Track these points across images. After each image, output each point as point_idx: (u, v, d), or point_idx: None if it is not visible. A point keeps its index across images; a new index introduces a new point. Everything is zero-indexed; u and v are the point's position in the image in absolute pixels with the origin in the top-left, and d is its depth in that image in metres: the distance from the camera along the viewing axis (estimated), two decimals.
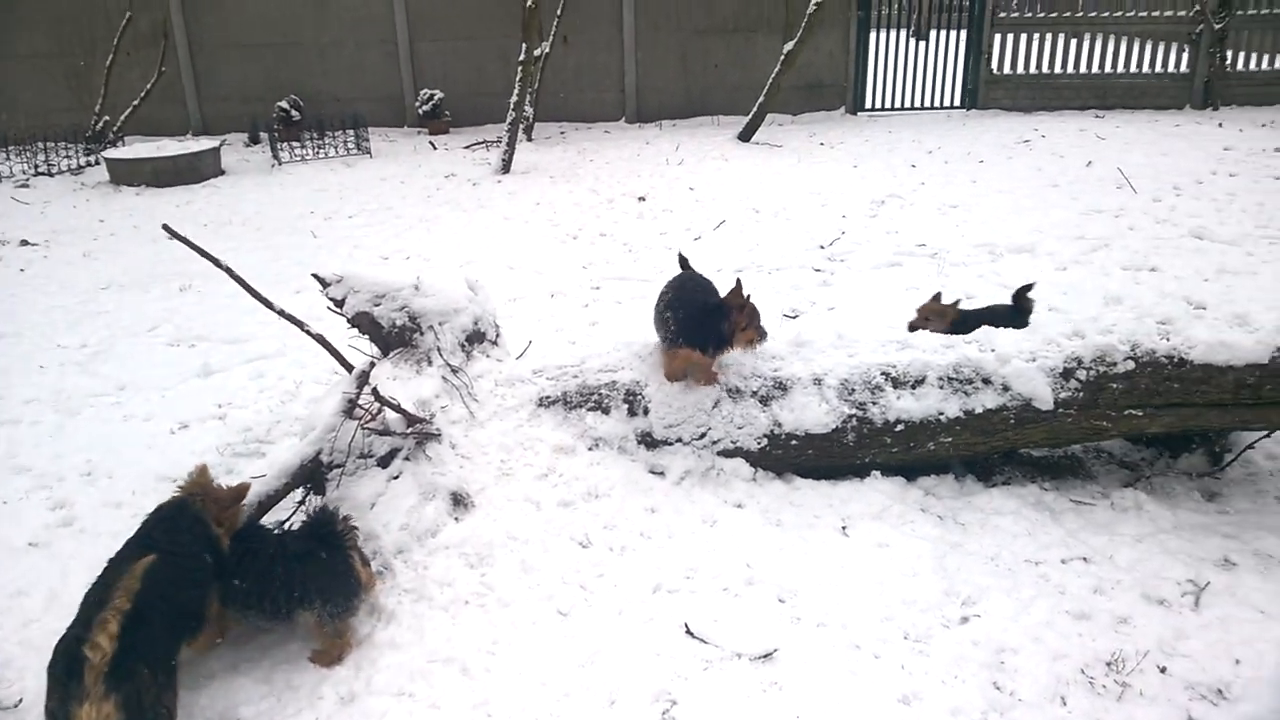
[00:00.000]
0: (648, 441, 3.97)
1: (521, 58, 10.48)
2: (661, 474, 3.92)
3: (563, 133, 13.02)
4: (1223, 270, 6.63)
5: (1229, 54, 12.93)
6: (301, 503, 3.51)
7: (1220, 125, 11.65)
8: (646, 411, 3.97)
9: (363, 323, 3.97)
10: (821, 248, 7.41)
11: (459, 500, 3.54)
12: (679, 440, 3.95)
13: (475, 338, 4.17)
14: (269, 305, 3.56)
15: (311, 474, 3.41)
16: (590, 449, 3.90)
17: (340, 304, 3.95)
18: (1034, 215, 8.05)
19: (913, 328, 4.74)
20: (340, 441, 3.40)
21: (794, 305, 6.27)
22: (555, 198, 9.22)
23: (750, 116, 11.60)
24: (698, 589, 3.33)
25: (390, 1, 13.44)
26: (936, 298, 4.98)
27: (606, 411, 3.99)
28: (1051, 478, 4.16)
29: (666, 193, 9.24)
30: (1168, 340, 3.81)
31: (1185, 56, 13.08)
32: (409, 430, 3.56)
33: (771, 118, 12.64)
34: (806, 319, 6.03)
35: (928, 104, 13.55)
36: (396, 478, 3.51)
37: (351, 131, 12.02)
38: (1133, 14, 13.09)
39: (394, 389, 3.69)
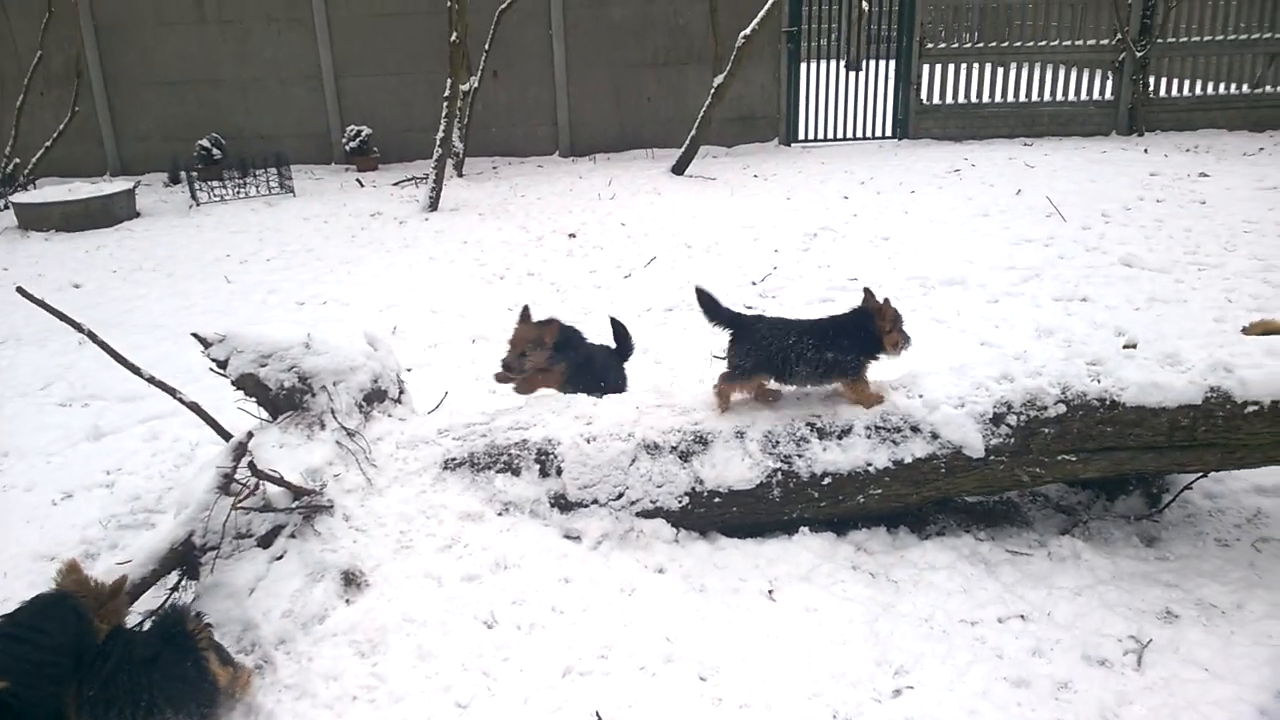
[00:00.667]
0: (561, 504, 3.72)
1: (447, 93, 10.25)
2: (577, 539, 3.66)
3: (495, 168, 12.79)
4: (1153, 299, 6.61)
5: (1151, 81, 13.17)
6: (175, 589, 3.18)
7: (1146, 151, 11.82)
8: (560, 472, 3.72)
9: (248, 385, 3.67)
10: (754, 283, 7.26)
11: (351, 580, 3.24)
12: (595, 501, 3.70)
13: (375, 396, 3.89)
14: (136, 371, 3.24)
15: (183, 558, 3.10)
16: (499, 514, 3.63)
17: (224, 365, 3.65)
18: (965, 246, 8.00)
19: None
20: (215, 521, 3.09)
21: (724, 346, 6.07)
22: (483, 236, 8.97)
23: (683, 150, 11.49)
24: (612, 669, 3.07)
25: (315, 37, 13.15)
26: None
27: (517, 473, 3.73)
28: (987, 525, 3.99)
29: (598, 229, 9.04)
30: (1099, 382, 3.67)
31: (1110, 84, 13.29)
32: (295, 505, 3.26)
33: (705, 150, 12.55)
34: None
35: (861, 135, 13.58)
36: (280, 558, 3.20)
37: (275, 170, 11.66)
38: (1057, 43, 13.28)
39: (280, 458, 3.40)
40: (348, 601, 3.19)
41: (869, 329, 3.74)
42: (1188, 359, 3.63)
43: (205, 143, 12.23)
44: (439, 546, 3.46)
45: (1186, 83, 13.43)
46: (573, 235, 8.81)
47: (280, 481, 3.22)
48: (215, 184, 11.58)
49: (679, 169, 11.42)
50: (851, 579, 3.56)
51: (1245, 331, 4.48)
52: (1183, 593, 3.52)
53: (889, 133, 13.56)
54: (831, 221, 9.01)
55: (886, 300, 3.85)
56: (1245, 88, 13.34)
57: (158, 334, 6.64)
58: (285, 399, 3.67)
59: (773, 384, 3.86)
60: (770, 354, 3.71)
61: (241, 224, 10.05)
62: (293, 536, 3.26)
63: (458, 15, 10.16)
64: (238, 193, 11.49)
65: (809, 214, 9.34)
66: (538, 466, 3.74)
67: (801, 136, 13.56)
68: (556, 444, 3.76)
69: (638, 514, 3.69)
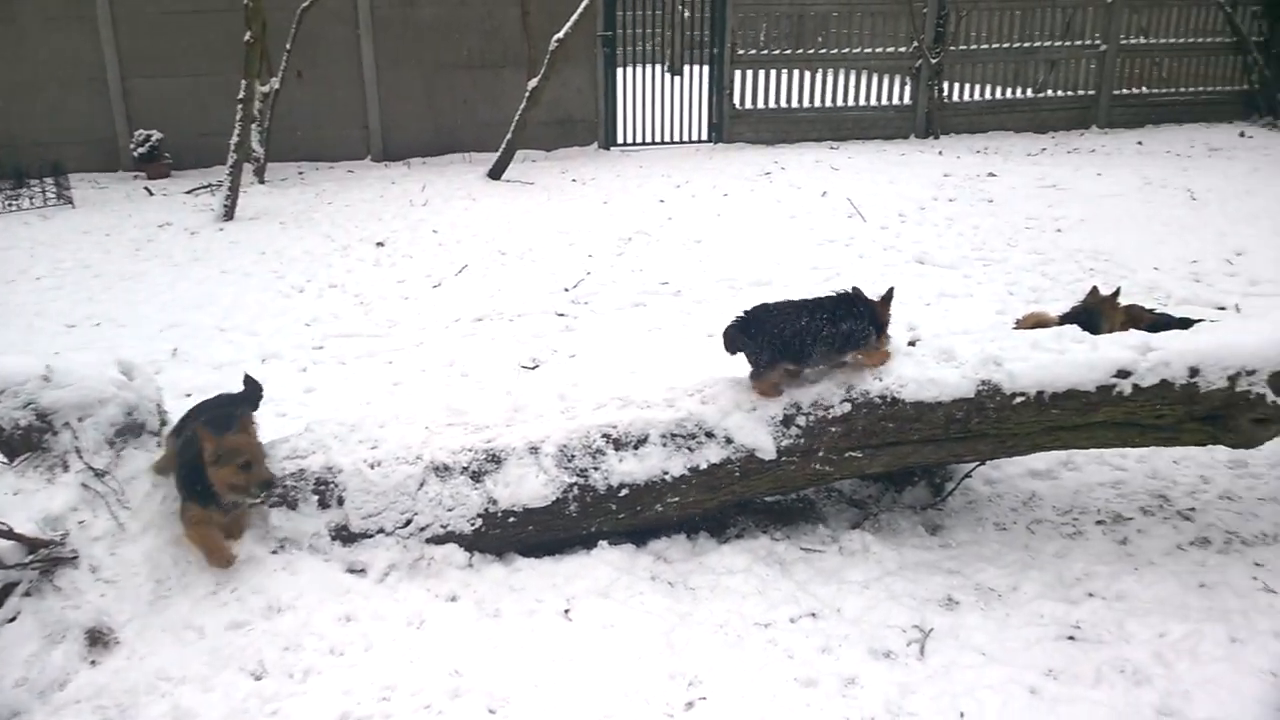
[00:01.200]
0: (344, 536, 3.50)
1: (242, 95, 9.67)
2: (362, 572, 3.46)
3: (301, 173, 12.19)
4: (943, 294, 6.95)
5: (946, 86, 13.97)
6: None
7: (940, 153, 12.51)
8: (341, 502, 3.51)
9: None
10: (566, 290, 7.18)
11: (97, 638, 2.93)
12: (381, 531, 3.51)
13: (129, 430, 3.54)
14: None
15: None
16: (274, 553, 3.38)
17: None
18: (773, 247, 8.19)
19: None
20: None
21: (535, 355, 5.97)
22: (284, 246, 8.50)
23: (499, 154, 11.30)
24: (394, 710, 2.89)
25: (98, 37, 12.15)
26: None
27: (294, 506, 3.49)
28: (784, 524, 4.05)
29: (409, 236, 8.74)
30: (880, 380, 3.78)
31: (908, 89, 14.01)
32: (29, 559, 2.92)
33: (525, 154, 12.39)
34: (547, 369, 5.75)
35: (679, 138, 13.77)
36: (13, 620, 2.86)
37: (51, 180, 10.68)
38: (860, 50, 13.89)
39: (14, 506, 3.04)
40: (93, 663, 2.88)
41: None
42: (961, 354, 3.79)
43: None
44: (201, 594, 3.18)
45: (978, 88, 14.33)
46: (381, 244, 8.48)
47: (10, 534, 2.87)
48: None
49: (495, 174, 11.23)
50: (650, 590, 3.52)
51: (1017, 325, 4.75)
52: (963, 579, 3.66)
53: (706, 137, 13.81)
54: (647, 225, 9.06)
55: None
56: (1029, 92, 14.37)
57: None
58: (21, 439, 3.29)
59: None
60: (786, 340, 3.71)
61: (10, 239, 9.14)
62: (28, 595, 2.91)
63: (252, 13, 9.60)
64: (9, 205, 10.46)
65: (625, 218, 9.35)
66: (316, 498, 3.51)
67: (621, 140, 13.62)
68: (337, 472, 3.54)
69: (428, 540, 3.52)
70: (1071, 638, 3.29)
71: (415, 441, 3.63)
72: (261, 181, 11.23)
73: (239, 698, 2.87)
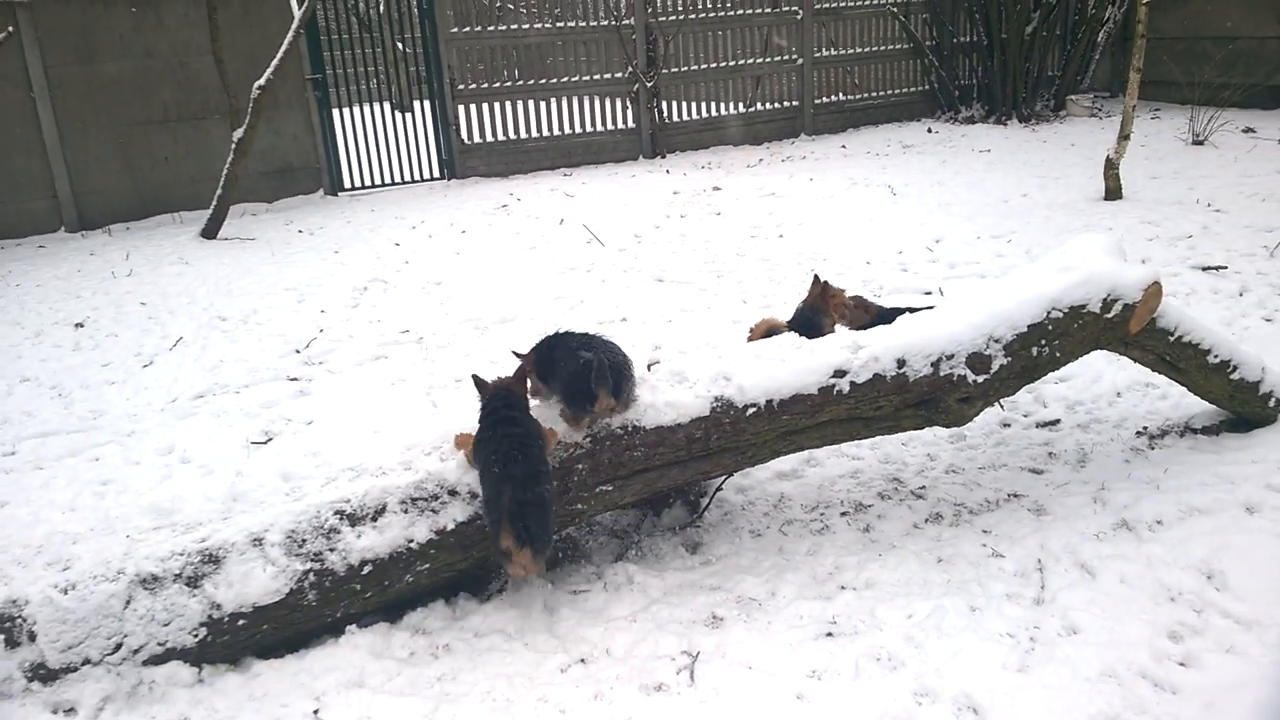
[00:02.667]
0: (43, 675, 3.02)
1: None
2: (71, 711, 3.00)
3: None
4: (683, 309, 7.13)
5: (665, 107, 14.50)
6: None
7: (668, 171, 12.95)
8: (33, 637, 3.03)
9: None
10: (298, 351, 6.73)
11: None
12: (87, 662, 3.06)
13: None
14: None
15: None
16: None
17: None
18: (516, 281, 8.11)
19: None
20: None
21: (266, 427, 5.52)
22: None
23: (211, 211, 10.49)
24: None
25: None
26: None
27: None
28: (549, 569, 3.94)
29: (113, 312, 7.90)
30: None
31: (630, 113, 14.42)
32: None
33: (244, 208, 11.63)
34: (281, 440, 5.32)
35: (410, 178, 13.43)
36: None
37: None
38: (580, 78, 14.14)
39: None
40: None
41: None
42: (693, 374, 3.84)
43: None
44: None
45: (695, 106, 14.99)
46: (80, 324, 7.61)
47: None
48: None
49: (210, 233, 10.42)
50: (407, 671, 3.28)
51: (751, 334, 4.90)
52: (725, 593, 3.69)
53: (438, 174, 13.55)
54: (382, 272, 8.71)
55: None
56: (742, 107, 15.19)
57: None
58: None
59: None
60: None
61: None
62: None
63: None
64: None
65: (359, 266, 8.96)
66: (2, 636, 3.01)
67: (348, 185, 13.09)
68: (24, 604, 3.06)
69: (145, 662, 3.11)
70: (830, 634, 3.38)
71: (116, 554, 3.20)
72: None
73: None
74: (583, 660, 3.33)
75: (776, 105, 15.32)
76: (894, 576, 3.72)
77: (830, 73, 15.55)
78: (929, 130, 14.87)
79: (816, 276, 4.91)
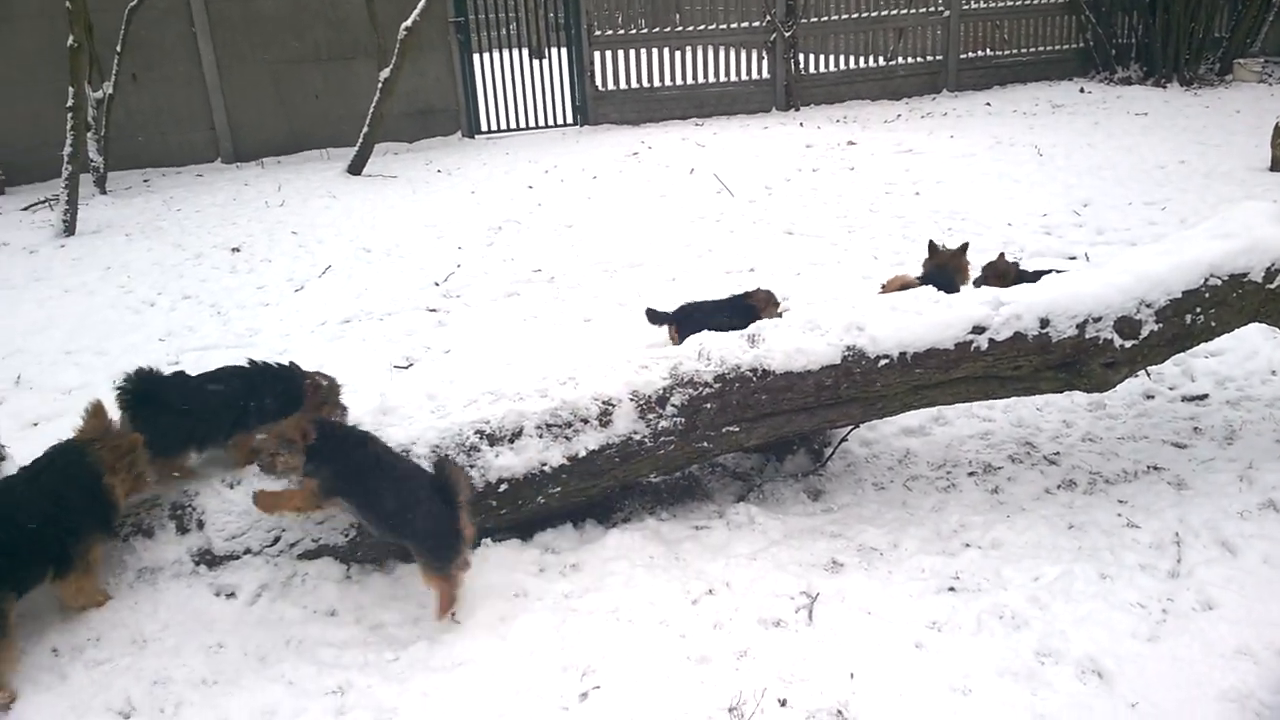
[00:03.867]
0: (209, 560, 3.31)
1: (71, 103, 9.05)
2: (232, 595, 3.28)
3: (146, 181, 11.53)
4: (812, 263, 7.07)
5: (801, 58, 14.23)
6: None
7: (801, 125, 12.75)
8: (201, 525, 3.31)
9: None
10: (436, 284, 7.00)
11: None
12: (248, 551, 3.33)
13: None
14: None
15: None
16: (132, 585, 3.17)
17: None
18: (645, 227, 8.19)
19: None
20: None
21: (407, 353, 5.79)
22: (131, 258, 8.01)
23: (357, 148, 10.93)
24: None
25: None
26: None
27: (150, 534, 3.27)
28: (671, 504, 4.05)
29: (266, 240, 8.37)
30: (753, 347, 3.79)
31: (766, 63, 14.21)
32: None
33: (386, 147, 12.05)
34: (420, 367, 5.58)
35: (544, 123, 13.63)
36: None
37: None
38: (716, 26, 13.99)
39: None
40: None
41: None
42: (825, 323, 3.83)
43: None
44: (57, 633, 2.95)
45: (833, 59, 14.66)
46: (237, 249, 8.09)
47: None
48: None
49: (355, 169, 10.86)
50: (538, 584, 3.45)
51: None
52: (846, 541, 3.72)
53: (571, 120, 13.70)
54: (516, 213, 8.92)
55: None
56: (882, 60, 14.77)
57: None
58: None
59: None
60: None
61: None
62: None
63: (75, 15, 8.98)
64: None
65: (493, 207, 9.19)
66: (173, 523, 3.31)
67: (485, 128, 13.38)
68: (193, 494, 3.34)
69: (299, 556, 3.37)
70: (952, 589, 3.37)
71: None
72: (103, 192, 10.57)
73: None
74: (704, 591, 3.41)
75: (918, 59, 14.83)
76: (1022, 539, 3.67)
77: (978, 27, 14.94)
78: (1081, 90, 14.15)
79: (931, 243, 4.85)
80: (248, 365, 3.61)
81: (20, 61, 11.49)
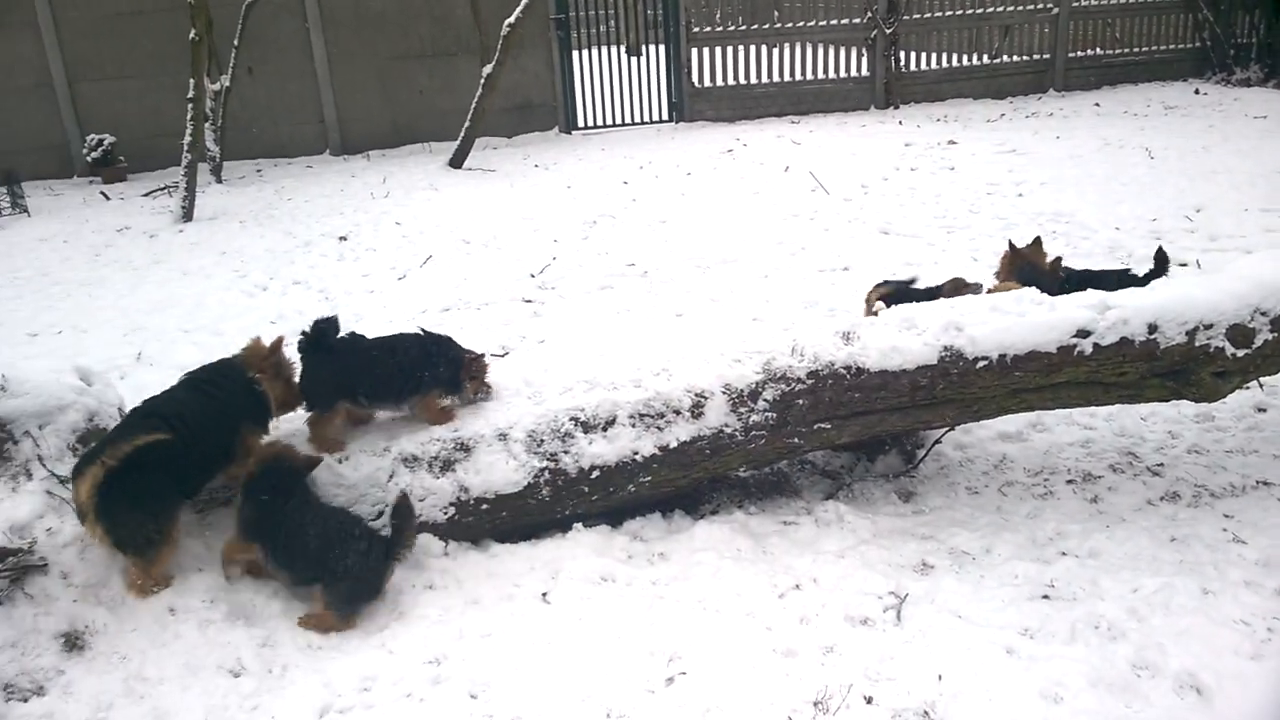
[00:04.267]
0: None
1: (191, 94, 9.52)
2: None
3: (259, 170, 12.04)
4: (908, 263, 6.97)
5: (902, 55, 14.01)
6: None
7: (901, 123, 12.55)
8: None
9: None
10: (532, 276, 7.15)
11: (72, 643, 2.90)
12: None
13: (93, 436, 3.47)
14: None
15: None
16: None
17: None
18: (739, 224, 8.20)
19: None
20: None
21: (503, 342, 5.94)
22: (245, 244, 8.40)
23: (459, 142, 11.21)
24: (375, 701, 2.88)
25: (41, 42, 11.91)
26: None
27: None
28: (758, 499, 4.07)
29: (371, 230, 8.66)
30: (846, 348, 3.79)
31: (865, 60, 14.04)
32: None
33: (485, 141, 12.31)
34: (515, 356, 5.72)
35: (640, 119, 13.73)
36: None
37: (4, 189, 10.48)
38: (814, 23, 13.88)
39: None
40: (63, 672, 2.84)
41: None
42: (922, 322, 3.81)
43: None
44: (173, 594, 3.15)
45: (934, 56, 14.39)
46: (344, 238, 8.40)
47: None
48: None
49: (456, 162, 11.14)
50: (626, 570, 3.52)
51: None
52: (937, 543, 3.69)
53: (666, 116, 13.77)
54: (611, 208, 9.03)
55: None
56: (985, 58, 14.44)
57: None
58: None
59: None
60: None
61: None
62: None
63: (196, 11, 9.44)
64: None
65: (589, 201, 9.33)
66: None
67: (581, 124, 13.56)
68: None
69: None
70: (1046, 596, 3.32)
71: (381, 434, 3.60)
72: (219, 180, 11.08)
73: (218, 696, 2.85)
74: (791, 586, 3.43)
75: (1024, 58, 14.44)
76: (1121, 549, 3.58)
77: (1089, 24, 14.46)
78: (1196, 91, 13.58)
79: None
80: (421, 334, 3.84)
81: (142, 57, 12.14)
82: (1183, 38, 14.75)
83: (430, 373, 3.67)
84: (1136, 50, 14.70)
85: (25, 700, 2.79)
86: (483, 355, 3.91)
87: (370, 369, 3.65)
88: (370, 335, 3.93)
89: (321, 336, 3.66)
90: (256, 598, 3.21)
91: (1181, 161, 9.47)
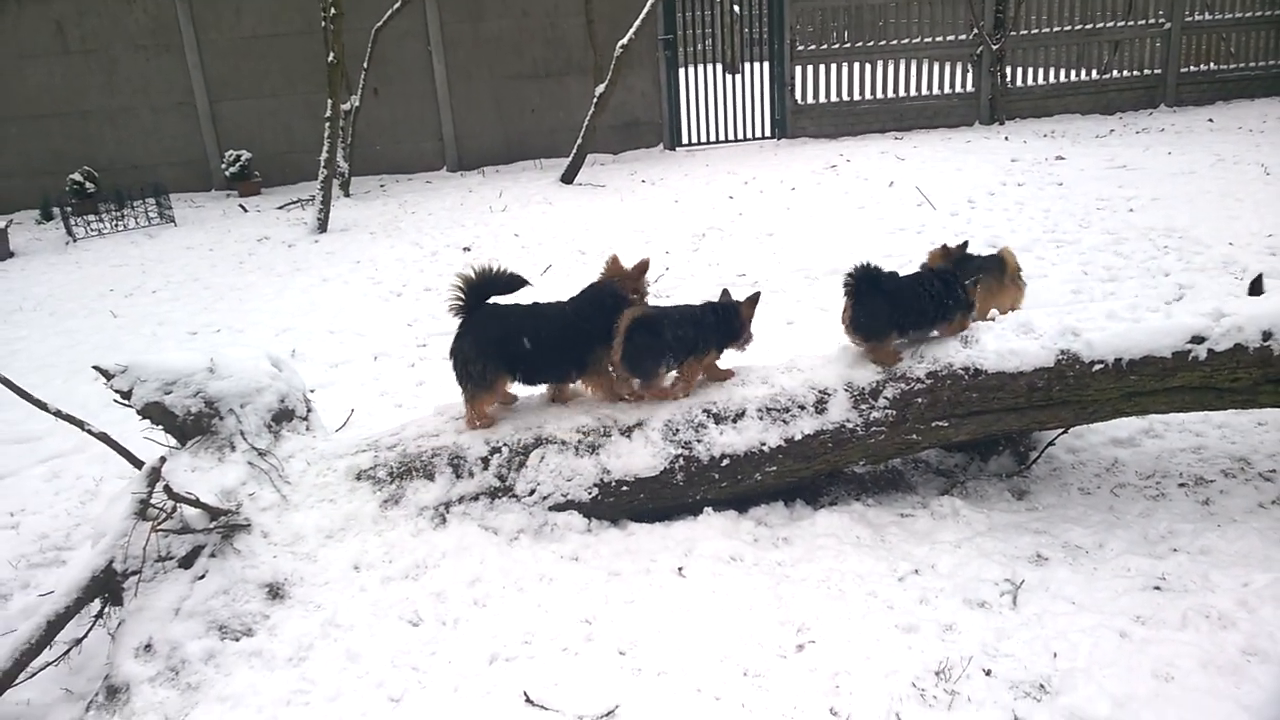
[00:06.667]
0: (486, 496, 3.86)
1: (328, 114, 10.21)
2: (494, 533, 3.81)
3: (383, 185, 12.75)
4: None
5: (1009, 71, 13.99)
6: (99, 616, 3.21)
7: (1006, 139, 12.56)
8: (472, 474, 3.87)
9: (154, 413, 3.70)
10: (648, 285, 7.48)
11: (274, 592, 3.33)
12: (513, 497, 3.86)
13: (283, 416, 3.96)
14: (42, 406, 3.26)
15: (105, 585, 3.13)
16: (414, 518, 3.75)
17: (127, 395, 3.67)
18: (844, 237, 8.41)
19: None
20: (135, 546, 3.14)
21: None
22: (376, 254, 8.99)
23: (570, 159, 11.69)
24: (536, 653, 3.23)
25: (185, 62, 12.87)
26: None
27: (431, 478, 3.86)
28: (875, 493, 4.30)
29: (492, 241, 9.16)
30: (964, 350, 4.01)
31: (970, 76, 14.07)
32: (212, 525, 3.33)
33: (593, 158, 12.78)
34: None
35: (742, 136, 14.03)
36: (202, 577, 3.27)
37: (153, 200, 11.38)
38: (919, 40, 13.98)
39: (194, 481, 3.45)
40: (267, 616, 3.27)
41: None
42: (1039, 326, 4.00)
43: (78, 176, 11.83)
44: (358, 553, 3.56)
45: (1041, 71, 14.32)
46: (467, 249, 8.91)
47: (196, 503, 3.28)
48: (91, 218, 11.23)
49: (568, 178, 11.62)
50: (754, 551, 3.80)
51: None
52: (1050, 538, 3.87)
53: (769, 133, 14.04)
54: (718, 221, 9.34)
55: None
56: (1094, 74, 14.30)
57: (47, 374, 6.48)
58: (193, 424, 3.72)
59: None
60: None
61: (122, 257, 9.81)
62: (213, 555, 3.32)
63: (333, 36, 10.14)
64: (116, 226, 11.18)
65: (696, 215, 9.65)
66: (451, 470, 3.88)
67: (685, 141, 13.93)
68: (466, 449, 3.90)
69: (550, 508, 3.86)
70: (1158, 588, 3.47)
71: (534, 421, 3.98)
72: (347, 194, 11.79)
73: (401, 641, 3.24)
74: (909, 571, 3.66)
75: (1134, 73, 14.26)
76: (1232, 547, 3.70)
77: (1202, 39, 14.20)
78: None
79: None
80: (921, 271, 4.39)
81: (276, 78, 13.00)
82: None
83: (953, 300, 4.11)
84: (1253, 65, 14.36)
85: (237, 640, 3.23)
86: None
87: (914, 302, 4.10)
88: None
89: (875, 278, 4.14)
90: (430, 555, 3.60)
91: None
